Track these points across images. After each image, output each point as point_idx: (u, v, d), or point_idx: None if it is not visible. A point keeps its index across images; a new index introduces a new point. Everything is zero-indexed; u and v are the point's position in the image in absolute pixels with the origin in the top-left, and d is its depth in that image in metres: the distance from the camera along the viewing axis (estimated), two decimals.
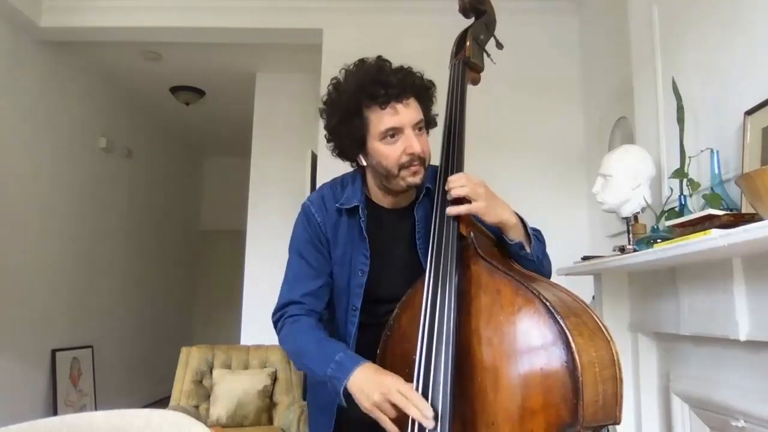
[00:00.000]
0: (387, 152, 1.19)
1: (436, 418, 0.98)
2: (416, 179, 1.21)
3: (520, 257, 1.17)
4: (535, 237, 1.21)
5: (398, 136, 1.18)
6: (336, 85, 1.25)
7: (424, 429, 0.99)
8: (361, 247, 1.28)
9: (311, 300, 1.27)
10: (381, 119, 1.18)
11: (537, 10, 3.51)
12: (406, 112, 1.18)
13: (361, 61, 1.25)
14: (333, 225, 1.30)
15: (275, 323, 1.29)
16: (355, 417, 1.09)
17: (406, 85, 1.18)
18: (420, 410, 0.98)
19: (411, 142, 1.18)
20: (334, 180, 1.37)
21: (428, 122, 1.27)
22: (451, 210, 1.13)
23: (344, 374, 1.07)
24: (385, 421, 1.02)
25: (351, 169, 1.37)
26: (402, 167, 1.19)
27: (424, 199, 1.28)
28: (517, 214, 1.18)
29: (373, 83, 1.17)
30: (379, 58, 1.24)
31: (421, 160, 1.20)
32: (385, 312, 1.21)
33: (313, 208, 1.31)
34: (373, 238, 1.28)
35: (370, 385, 1.04)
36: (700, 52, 1.80)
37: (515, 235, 1.15)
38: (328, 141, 1.28)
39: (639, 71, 2.22)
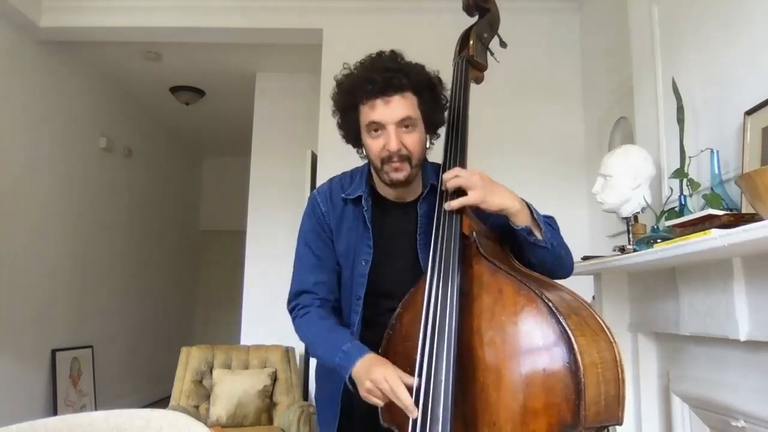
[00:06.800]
0: (370, 145, 1.24)
1: (425, 415, 1.00)
2: (399, 175, 1.23)
3: (530, 245, 1.15)
4: (548, 224, 1.19)
5: (381, 131, 1.22)
6: (339, 80, 1.29)
7: (426, 424, 0.99)
8: (365, 237, 1.30)
9: (322, 289, 1.31)
10: (365, 114, 1.22)
11: (537, 10, 3.51)
12: (386, 109, 1.19)
13: (368, 56, 1.27)
14: (338, 215, 1.33)
15: (290, 311, 1.34)
16: (360, 410, 1.10)
17: (391, 82, 1.19)
18: (402, 400, 1.01)
19: (388, 140, 1.20)
20: (345, 173, 1.41)
21: (430, 120, 1.27)
22: (448, 204, 1.14)
23: (349, 363, 1.12)
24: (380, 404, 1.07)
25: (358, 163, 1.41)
26: (383, 161, 1.23)
27: (429, 195, 1.30)
28: (524, 201, 1.17)
29: (362, 79, 1.21)
30: (381, 54, 1.26)
31: (402, 157, 1.21)
32: (387, 308, 1.22)
33: (319, 198, 1.36)
34: (376, 228, 1.30)
35: (365, 373, 1.08)
36: (700, 52, 1.80)
37: (521, 221, 1.13)
38: (339, 128, 1.33)
39: (639, 71, 2.22)
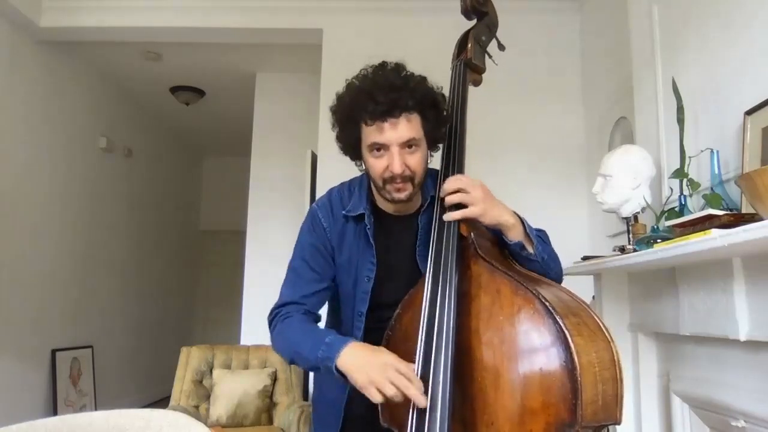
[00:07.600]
0: (373, 164, 1.21)
1: (423, 415, 0.98)
2: (401, 195, 1.21)
3: (522, 258, 1.17)
4: (539, 238, 1.20)
5: (384, 151, 1.18)
6: (340, 94, 1.25)
7: (425, 424, 0.99)
8: (368, 254, 1.29)
9: (309, 302, 1.28)
10: (368, 133, 1.19)
11: (537, 10, 3.51)
12: (391, 131, 1.16)
13: (373, 67, 1.23)
14: (339, 231, 1.31)
15: (270, 321, 1.29)
16: (360, 413, 1.09)
17: (397, 104, 1.15)
18: (419, 391, 0.99)
19: (392, 161, 1.17)
20: (343, 184, 1.38)
21: (432, 138, 1.24)
22: (447, 216, 1.15)
23: (334, 352, 1.08)
24: (377, 398, 1.01)
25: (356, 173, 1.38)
26: (385, 182, 1.20)
27: (429, 207, 1.28)
28: (517, 215, 1.18)
29: (365, 98, 1.16)
30: (384, 68, 1.21)
31: (405, 178, 1.19)
32: (388, 318, 1.21)
33: (320, 213, 1.33)
34: (378, 244, 1.29)
35: (367, 362, 1.04)
36: (700, 52, 1.80)
37: (514, 236, 1.15)
38: (337, 140, 1.30)
39: (639, 71, 2.22)
